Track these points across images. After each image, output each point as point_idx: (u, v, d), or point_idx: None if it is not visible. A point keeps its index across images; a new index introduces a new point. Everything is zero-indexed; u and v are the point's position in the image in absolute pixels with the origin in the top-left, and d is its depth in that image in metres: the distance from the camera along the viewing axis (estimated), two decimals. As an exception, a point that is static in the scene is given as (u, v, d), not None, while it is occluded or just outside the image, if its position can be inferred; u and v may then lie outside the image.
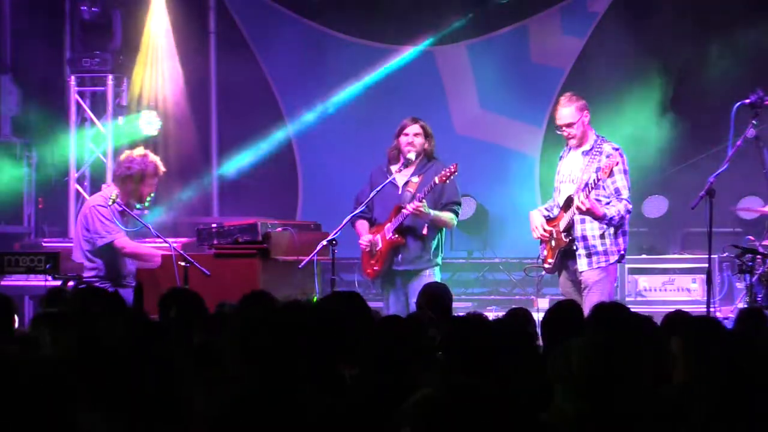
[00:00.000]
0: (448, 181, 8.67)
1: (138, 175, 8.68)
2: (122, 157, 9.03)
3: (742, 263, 8.54)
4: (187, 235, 9.64)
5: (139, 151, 8.98)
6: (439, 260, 8.95)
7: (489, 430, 3.19)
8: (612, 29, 12.24)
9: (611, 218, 8.19)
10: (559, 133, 8.49)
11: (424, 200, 8.57)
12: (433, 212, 8.67)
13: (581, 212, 8.12)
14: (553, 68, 12.61)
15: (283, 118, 13.14)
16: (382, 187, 8.77)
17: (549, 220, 8.49)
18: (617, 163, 8.11)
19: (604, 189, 8.23)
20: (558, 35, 12.65)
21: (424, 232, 8.74)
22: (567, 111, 8.39)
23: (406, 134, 8.81)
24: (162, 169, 8.82)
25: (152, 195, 8.83)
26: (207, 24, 13.18)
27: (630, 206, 8.35)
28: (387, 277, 8.93)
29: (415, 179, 8.84)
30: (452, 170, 8.58)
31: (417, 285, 8.48)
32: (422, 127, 8.85)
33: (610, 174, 8.07)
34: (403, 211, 8.65)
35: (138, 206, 8.83)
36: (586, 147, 8.42)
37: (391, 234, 8.77)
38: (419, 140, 8.82)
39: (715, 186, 8.17)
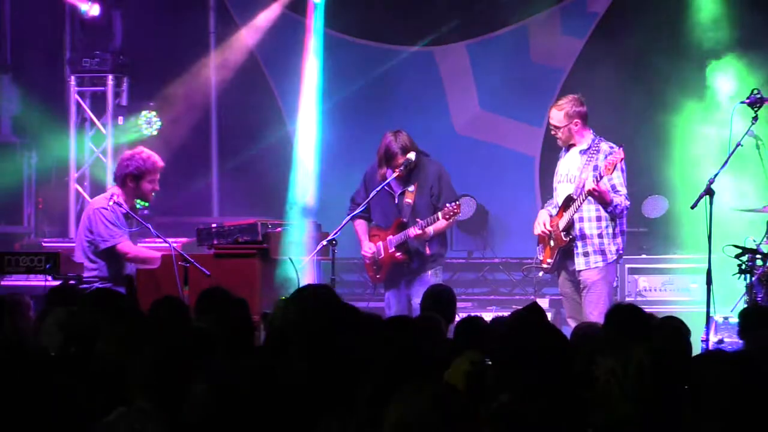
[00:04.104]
0: (444, 183, 8.74)
1: (136, 172, 8.66)
2: (120, 158, 9.04)
3: (742, 263, 8.53)
4: (187, 235, 9.63)
5: (136, 149, 8.98)
6: (441, 260, 8.99)
7: None
8: (612, 29, 12.23)
9: (616, 206, 8.26)
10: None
11: (426, 228, 8.61)
12: (432, 230, 8.69)
13: (592, 195, 8.14)
14: (553, 68, 12.60)
15: (283, 118, 13.13)
16: (380, 188, 8.78)
17: (550, 218, 8.53)
18: (622, 159, 8.14)
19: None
20: (558, 35, 12.63)
21: (428, 251, 8.79)
22: (555, 115, 8.51)
23: (395, 167, 8.78)
24: (160, 163, 8.79)
25: (156, 192, 8.81)
26: (207, 24, 13.17)
27: (628, 202, 8.39)
28: (390, 280, 8.97)
29: (411, 188, 8.85)
30: (455, 210, 8.58)
31: (419, 285, 8.53)
32: (404, 151, 8.80)
33: (613, 170, 8.10)
34: (407, 232, 8.68)
35: (141, 205, 8.82)
36: (584, 146, 8.46)
37: (393, 248, 8.82)
38: (406, 158, 8.80)
39: (714, 186, 8.18)
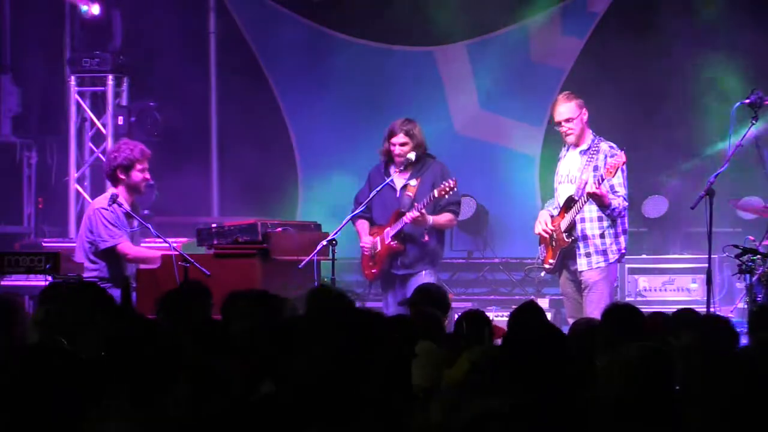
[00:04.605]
0: (446, 177, 8.75)
1: (126, 162, 8.63)
2: (107, 154, 9.05)
3: (742, 263, 8.53)
4: (187, 235, 9.63)
5: (120, 141, 8.98)
6: (438, 260, 8.99)
7: None
8: (612, 29, 12.24)
9: (614, 209, 8.26)
10: (557, 129, 8.54)
11: (423, 211, 8.61)
12: (432, 219, 8.70)
13: (592, 196, 8.14)
14: (553, 68, 12.59)
15: (283, 118, 13.13)
16: (381, 188, 8.79)
17: (551, 219, 8.53)
18: (624, 162, 8.14)
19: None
20: (558, 35, 12.63)
21: (425, 239, 8.78)
22: (566, 107, 8.45)
23: (393, 144, 8.83)
24: (148, 151, 8.77)
25: (147, 182, 8.81)
26: (207, 24, 13.17)
27: (626, 204, 8.39)
28: (386, 279, 8.97)
29: (413, 182, 8.86)
30: (451, 186, 8.59)
31: (415, 284, 8.51)
32: (407, 134, 8.81)
33: (615, 173, 8.10)
34: (403, 218, 8.69)
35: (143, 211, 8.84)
36: (584, 146, 8.46)
37: (390, 239, 8.81)
38: (406, 149, 8.82)
39: (715, 186, 8.17)
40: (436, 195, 8.62)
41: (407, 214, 8.68)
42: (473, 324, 6.02)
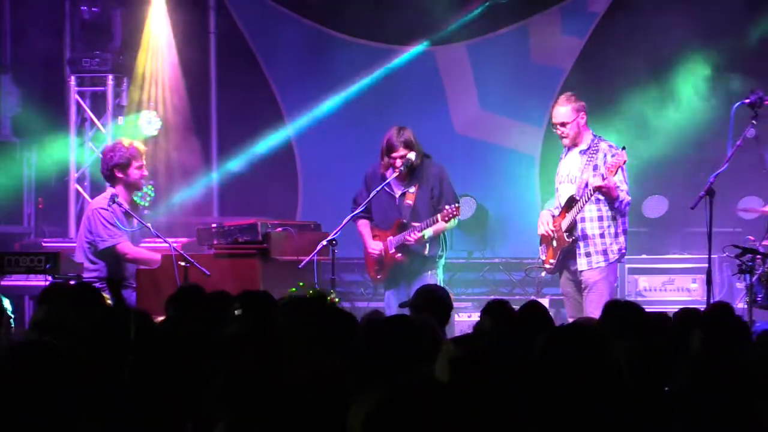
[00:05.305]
0: (445, 185, 8.72)
1: (123, 161, 8.65)
2: (102, 154, 9.07)
3: (742, 263, 8.53)
4: (187, 235, 9.63)
5: (114, 141, 9.00)
6: (442, 261, 8.98)
7: None
8: (612, 29, 12.24)
9: (621, 201, 8.29)
10: (553, 130, 8.58)
11: (424, 230, 8.60)
12: (433, 231, 8.67)
13: (600, 191, 8.15)
14: (553, 68, 12.59)
15: (283, 118, 13.13)
16: (380, 188, 8.77)
17: (552, 219, 8.54)
18: (624, 161, 8.14)
19: (602, 185, 8.28)
20: (558, 35, 12.63)
21: (426, 252, 8.76)
22: (563, 110, 8.45)
23: (394, 158, 8.79)
24: (143, 147, 8.80)
25: (145, 178, 8.81)
26: (207, 24, 13.17)
27: (629, 198, 8.39)
28: (390, 279, 8.96)
29: (412, 189, 8.84)
30: (454, 212, 8.56)
31: (418, 285, 8.50)
32: (406, 145, 8.78)
33: (615, 172, 8.11)
34: (405, 236, 8.66)
35: (141, 203, 8.83)
36: (584, 146, 8.47)
37: (393, 249, 8.81)
38: (407, 157, 8.78)
39: (714, 186, 8.18)
40: (439, 219, 8.60)
41: (407, 236, 8.66)
42: (496, 316, 5.87)
